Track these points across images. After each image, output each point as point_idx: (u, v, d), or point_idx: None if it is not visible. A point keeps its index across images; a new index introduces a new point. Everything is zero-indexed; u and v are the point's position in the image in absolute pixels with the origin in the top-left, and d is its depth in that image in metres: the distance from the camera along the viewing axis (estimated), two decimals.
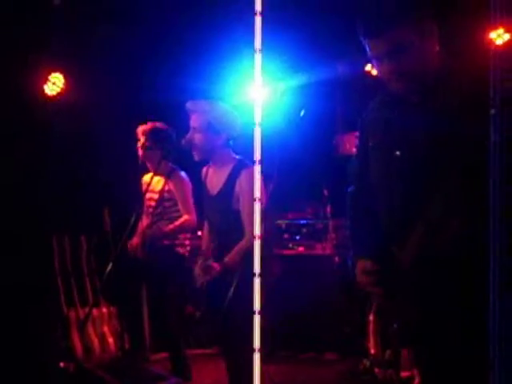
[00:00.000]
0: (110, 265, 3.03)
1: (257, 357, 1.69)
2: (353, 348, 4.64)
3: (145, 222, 4.49)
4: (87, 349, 4.81)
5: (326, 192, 5.69)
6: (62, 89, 5.61)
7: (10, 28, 4.94)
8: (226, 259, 3.21)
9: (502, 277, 1.38)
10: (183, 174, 4.47)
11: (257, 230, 1.81)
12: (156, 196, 4.41)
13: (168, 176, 4.32)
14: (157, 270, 4.36)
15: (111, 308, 5.04)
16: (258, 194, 1.90)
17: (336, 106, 6.11)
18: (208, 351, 4.94)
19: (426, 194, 2.08)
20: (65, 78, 5.61)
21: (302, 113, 4.99)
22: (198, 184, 3.68)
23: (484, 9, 1.62)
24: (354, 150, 4.10)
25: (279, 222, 5.63)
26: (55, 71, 5.59)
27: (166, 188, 4.36)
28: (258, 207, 1.88)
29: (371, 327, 2.84)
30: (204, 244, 3.56)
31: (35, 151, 5.27)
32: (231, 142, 3.41)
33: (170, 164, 4.41)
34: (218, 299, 3.12)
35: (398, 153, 2.18)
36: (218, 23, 4.98)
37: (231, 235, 3.24)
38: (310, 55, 5.11)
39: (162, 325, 4.54)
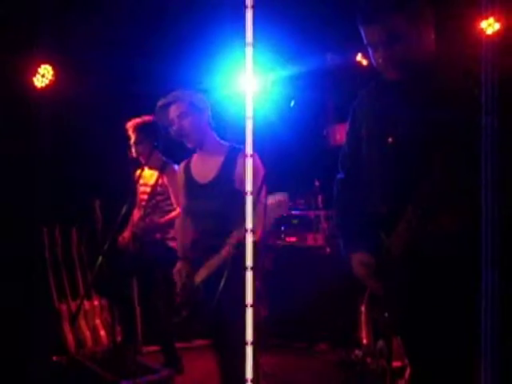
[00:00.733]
0: (101, 257, 3.01)
1: (249, 350, 1.68)
2: (345, 338, 4.65)
3: (137, 215, 4.49)
4: (79, 341, 4.81)
5: (317, 183, 5.70)
6: (51, 81, 5.57)
7: None
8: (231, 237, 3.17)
9: (493, 265, 1.38)
10: (176, 167, 4.46)
11: (249, 224, 1.78)
12: (148, 189, 4.40)
13: (161, 170, 4.31)
14: (148, 264, 4.35)
15: (103, 301, 5.04)
16: (249, 187, 1.86)
17: (327, 96, 6.11)
18: (200, 343, 4.94)
19: (417, 181, 2.08)
20: (54, 70, 5.57)
21: (292, 103, 4.98)
22: None
23: None
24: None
25: None
26: (44, 63, 5.55)
27: (159, 182, 4.36)
28: (249, 200, 1.84)
29: (363, 317, 2.84)
30: (185, 238, 3.50)
31: (25, 144, 5.24)
32: (213, 124, 3.41)
33: (163, 157, 4.40)
34: (208, 291, 3.11)
35: (390, 140, 2.18)
36: (208, 13, 4.96)
37: (231, 217, 3.20)
38: (300, 45, 5.10)
39: (153, 318, 4.54)
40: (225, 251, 3.10)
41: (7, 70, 5.12)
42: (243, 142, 2.06)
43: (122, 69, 5.33)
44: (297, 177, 5.70)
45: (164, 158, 4.39)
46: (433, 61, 2.15)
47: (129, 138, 4.55)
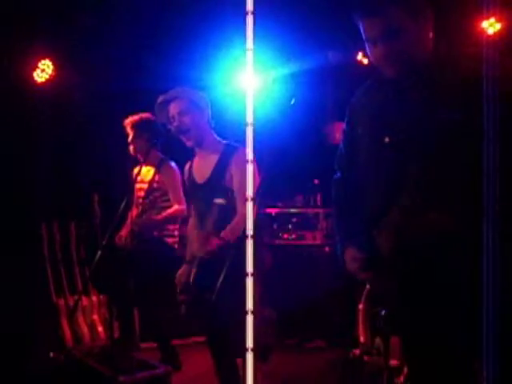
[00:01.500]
0: (99, 253, 3.01)
1: (249, 356, 1.66)
2: (342, 336, 4.65)
3: (134, 212, 4.48)
4: (77, 337, 4.81)
5: (316, 181, 5.70)
6: (51, 76, 5.56)
7: None
8: (222, 234, 3.19)
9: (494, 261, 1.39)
10: (173, 164, 4.46)
11: (250, 230, 1.75)
12: (145, 186, 4.40)
13: (158, 166, 4.31)
14: (146, 260, 4.35)
15: (101, 296, 5.04)
16: (250, 192, 1.82)
17: (327, 94, 6.10)
18: (198, 340, 4.94)
19: (412, 179, 2.08)
20: (54, 65, 5.56)
21: (293, 101, 4.97)
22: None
23: None
24: None
25: (269, 211, 5.62)
26: (44, 58, 5.54)
27: (156, 178, 4.36)
28: (250, 206, 1.80)
29: (361, 316, 2.85)
30: (190, 234, 3.54)
31: (24, 139, 5.23)
32: (213, 123, 3.41)
33: (160, 154, 4.40)
34: (206, 289, 3.11)
35: (386, 139, 2.18)
36: (208, 11, 4.95)
37: (223, 217, 3.21)
38: (301, 43, 5.09)
39: (150, 315, 4.54)
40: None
41: (7, 64, 5.12)
42: (240, 140, 2.05)
43: (122, 65, 5.33)
44: (296, 175, 5.69)
45: (160, 155, 4.39)
46: (431, 59, 2.15)
47: (127, 136, 4.55)
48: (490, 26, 3.66)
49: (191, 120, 3.35)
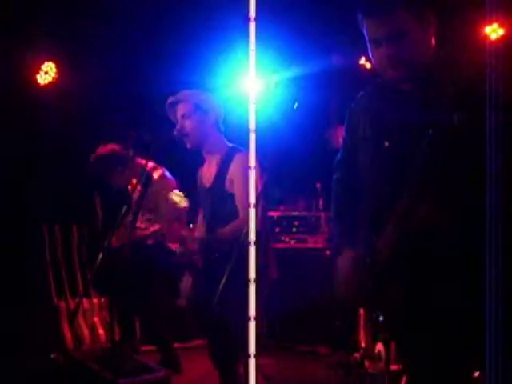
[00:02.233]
0: (100, 255, 3.01)
1: (252, 362, 1.66)
2: (343, 341, 4.64)
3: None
4: (77, 340, 4.81)
5: (318, 185, 5.69)
6: (54, 78, 5.57)
7: (2, 17, 4.89)
8: (217, 232, 3.19)
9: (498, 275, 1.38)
10: (166, 173, 4.37)
11: (252, 236, 1.73)
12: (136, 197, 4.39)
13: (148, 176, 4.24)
14: (146, 264, 4.34)
15: (102, 299, 5.03)
16: (253, 199, 1.79)
17: (330, 98, 6.10)
18: (199, 343, 4.93)
19: (412, 184, 2.08)
20: (57, 67, 5.57)
21: (296, 105, 4.97)
22: (190, 182, 3.65)
23: (479, 3, 1.62)
24: None
25: (271, 214, 5.62)
26: (48, 60, 5.55)
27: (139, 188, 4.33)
28: (253, 213, 1.77)
29: (362, 320, 2.84)
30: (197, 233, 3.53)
31: (27, 140, 5.24)
32: (222, 128, 3.40)
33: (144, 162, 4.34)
34: (207, 293, 3.11)
35: (386, 144, 2.18)
36: (210, 14, 4.96)
37: (225, 221, 3.21)
38: (304, 47, 5.09)
39: (150, 319, 4.53)
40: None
41: (11, 66, 5.13)
42: (243, 144, 2.04)
43: (125, 68, 5.33)
44: (298, 178, 5.69)
45: (152, 164, 4.32)
46: (433, 64, 2.15)
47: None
48: (493, 31, 3.65)
49: (192, 123, 3.35)
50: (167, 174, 4.36)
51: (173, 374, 4.14)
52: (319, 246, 5.47)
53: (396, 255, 2.12)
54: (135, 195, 4.39)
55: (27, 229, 5.08)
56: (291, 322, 5.26)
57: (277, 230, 5.62)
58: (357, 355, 4.13)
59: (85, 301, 4.91)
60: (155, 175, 4.30)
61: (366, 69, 5.47)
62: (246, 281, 1.72)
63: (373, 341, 2.39)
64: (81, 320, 4.86)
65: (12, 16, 4.96)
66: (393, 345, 2.31)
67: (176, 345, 4.67)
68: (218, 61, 4.64)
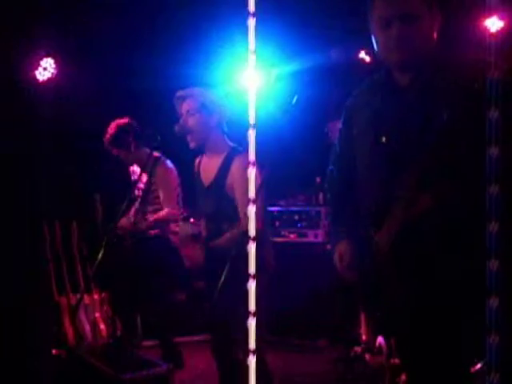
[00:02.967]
0: (102, 251, 3.02)
1: (252, 359, 1.66)
2: (344, 335, 4.65)
3: (133, 211, 4.49)
4: (79, 335, 4.81)
5: (318, 179, 5.69)
6: (53, 74, 5.57)
7: (0, 14, 4.88)
8: (212, 243, 3.22)
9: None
10: (169, 163, 4.44)
11: (251, 232, 1.73)
12: (142, 186, 4.41)
13: (151, 166, 4.28)
14: (147, 258, 4.35)
15: (103, 294, 5.04)
16: (252, 194, 1.79)
17: (329, 93, 6.09)
18: (201, 338, 4.94)
19: (409, 179, 2.08)
20: (56, 63, 5.56)
21: (295, 99, 4.97)
22: (189, 175, 3.65)
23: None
24: None
25: (271, 209, 5.63)
26: (46, 56, 5.54)
27: (145, 180, 4.37)
28: (253, 210, 1.78)
29: (363, 314, 2.84)
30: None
31: (25, 137, 5.23)
32: (225, 128, 3.39)
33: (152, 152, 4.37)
34: (209, 286, 3.12)
35: (383, 139, 2.18)
36: (211, 9, 4.95)
37: (224, 224, 3.23)
38: (303, 41, 5.09)
39: (152, 313, 4.54)
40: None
41: (9, 62, 5.12)
42: (242, 141, 2.04)
43: (124, 64, 5.32)
44: (298, 173, 5.69)
45: (157, 154, 4.36)
46: (432, 60, 2.15)
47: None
48: (493, 24, 3.65)
49: (195, 121, 3.33)
50: (171, 164, 4.43)
51: (175, 368, 4.16)
52: (319, 240, 5.48)
53: (395, 250, 2.13)
54: (140, 185, 4.44)
55: (27, 225, 5.08)
56: (290, 316, 5.27)
57: (277, 224, 5.63)
58: (358, 349, 4.16)
59: (86, 296, 4.91)
60: (160, 164, 4.36)
61: (366, 62, 5.47)
62: (245, 278, 1.72)
63: (374, 335, 2.39)
64: (82, 316, 4.86)
65: (10, 12, 4.94)
66: (393, 339, 2.32)
67: (178, 339, 4.68)
68: (217, 56, 4.63)
